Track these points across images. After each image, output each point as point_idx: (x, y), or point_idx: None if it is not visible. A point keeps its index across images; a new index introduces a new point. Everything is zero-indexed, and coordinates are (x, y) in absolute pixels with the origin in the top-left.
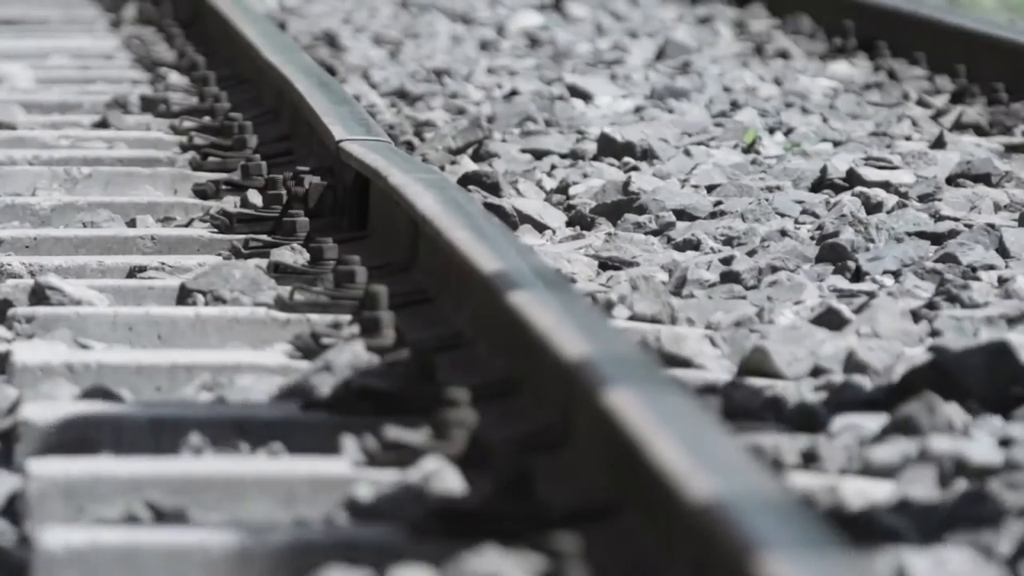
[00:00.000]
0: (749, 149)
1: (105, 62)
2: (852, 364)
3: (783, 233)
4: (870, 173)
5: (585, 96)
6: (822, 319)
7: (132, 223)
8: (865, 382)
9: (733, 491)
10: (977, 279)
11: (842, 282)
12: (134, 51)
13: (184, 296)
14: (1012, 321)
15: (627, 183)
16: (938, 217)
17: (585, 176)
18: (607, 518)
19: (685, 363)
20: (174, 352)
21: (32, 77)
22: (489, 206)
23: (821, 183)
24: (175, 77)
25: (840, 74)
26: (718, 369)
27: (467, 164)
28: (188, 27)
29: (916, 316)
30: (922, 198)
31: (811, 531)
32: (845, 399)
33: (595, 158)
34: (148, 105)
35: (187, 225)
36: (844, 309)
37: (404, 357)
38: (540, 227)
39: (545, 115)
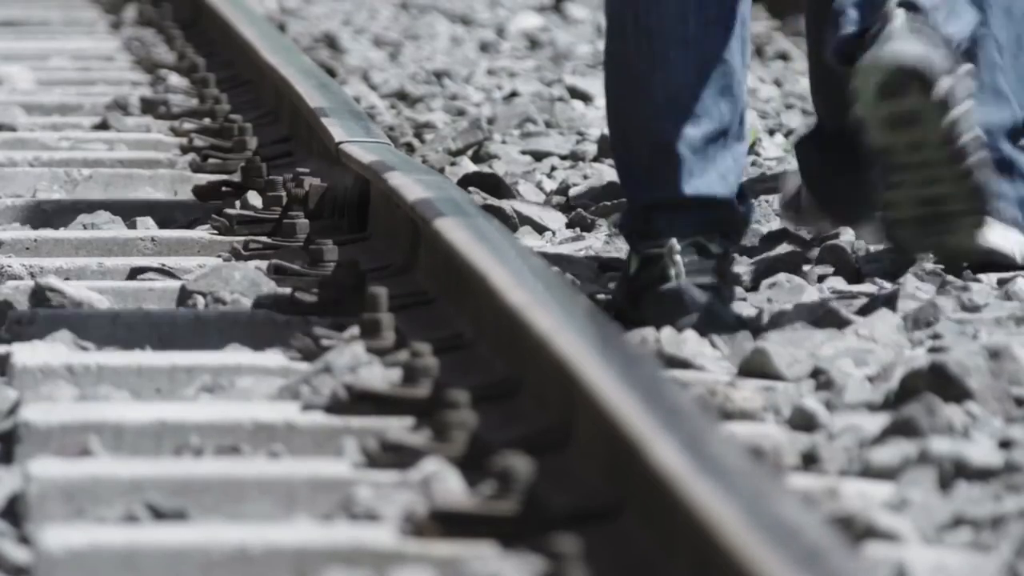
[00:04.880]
0: (749, 151)
1: (105, 64)
2: (852, 366)
3: (784, 234)
4: None
5: (585, 97)
6: (822, 321)
7: (132, 224)
8: (865, 384)
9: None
10: (977, 280)
11: (842, 284)
12: (134, 53)
13: (184, 297)
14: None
15: None
16: None
17: (585, 177)
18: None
19: (685, 364)
20: (174, 353)
21: (32, 78)
22: (489, 207)
23: None
24: (175, 79)
25: None
26: (718, 370)
27: (467, 165)
28: (188, 29)
29: (916, 318)
30: None
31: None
32: (845, 401)
33: (595, 159)
34: (148, 107)
35: (187, 227)
36: (844, 310)
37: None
38: (540, 228)
39: (545, 116)
